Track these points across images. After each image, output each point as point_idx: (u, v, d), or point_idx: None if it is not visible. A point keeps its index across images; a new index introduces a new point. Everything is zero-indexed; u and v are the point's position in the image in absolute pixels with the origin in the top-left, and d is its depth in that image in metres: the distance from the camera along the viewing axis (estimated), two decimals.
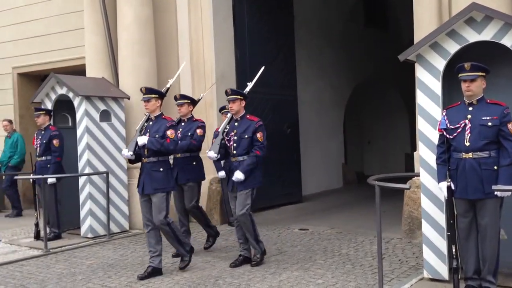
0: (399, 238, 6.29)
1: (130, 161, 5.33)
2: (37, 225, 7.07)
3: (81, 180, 7.20)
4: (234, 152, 5.41)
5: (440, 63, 4.42)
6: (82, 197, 7.20)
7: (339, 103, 12.40)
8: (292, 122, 9.82)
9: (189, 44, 8.34)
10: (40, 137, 7.14)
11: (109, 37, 8.08)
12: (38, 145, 7.12)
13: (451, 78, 4.40)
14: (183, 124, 6.14)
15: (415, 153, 5.87)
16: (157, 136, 5.14)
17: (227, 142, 5.45)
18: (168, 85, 5.72)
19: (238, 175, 5.29)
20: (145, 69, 7.94)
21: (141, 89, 5.31)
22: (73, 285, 5.02)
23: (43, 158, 7.06)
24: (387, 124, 14.52)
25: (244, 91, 5.61)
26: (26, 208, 9.89)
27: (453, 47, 4.35)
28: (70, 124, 7.83)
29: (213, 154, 5.38)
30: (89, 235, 7.10)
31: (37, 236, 7.07)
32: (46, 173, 6.89)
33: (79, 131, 7.24)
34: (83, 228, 7.18)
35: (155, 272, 5.16)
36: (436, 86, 4.44)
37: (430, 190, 4.47)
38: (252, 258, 5.48)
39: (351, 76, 12.49)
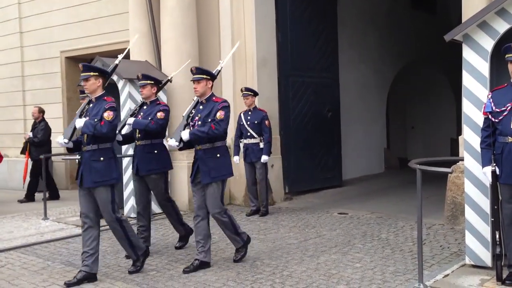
0: (441, 224, 6.14)
1: (68, 149, 4.66)
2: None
3: (125, 161, 7.38)
4: None
5: (488, 43, 4.24)
6: (125, 178, 7.39)
7: (382, 86, 12.15)
8: (333, 106, 9.70)
9: (230, 28, 8.34)
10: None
11: (152, 21, 8.19)
12: None
13: (500, 59, 4.22)
14: (145, 107, 5.54)
15: (460, 137, 5.69)
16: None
17: (191, 128, 4.82)
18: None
19: (184, 135, 4.69)
20: (187, 52, 8.01)
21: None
22: (116, 262, 5.18)
23: None
24: (432, 108, 14.13)
25: (215, 70, 5.03)
26: (73, 189, 10.25)
27: (502, 27, 4.16)
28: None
29: (173, 142, 4.75)
30: (132, 215, 7.29)
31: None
32: None
33: (122, 113, 7.40)
34: (126, 208, 7.39)
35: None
36: (484, 67, 4.27)
37: (474, 175, 4.34)
38: (235, 253, 5.08)
39: (395, 59, 12.18)
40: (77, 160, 7.39)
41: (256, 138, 7.26)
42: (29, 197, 9.37)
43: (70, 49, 10.72)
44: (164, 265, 4.99)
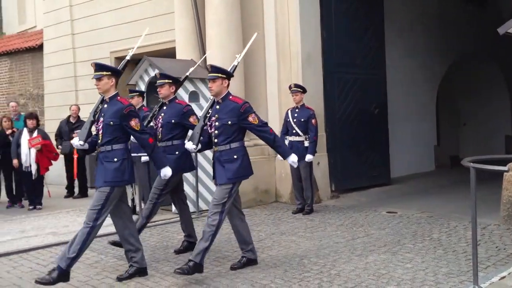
0: (497, 224, 5.90)
1: (84, 151, 4.61)
2: (133, 200, 7.48)
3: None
4: (216, 140, 4.62)
5: None
6: (190, 173, 7.48)
7: (431, 82, 11.81)
8: (380, 102, 9.51)
9: (274, 24, 8.32)
10: None
11: (197, 20, 8.28)
12: None
13: None
14: (164, 108, 5.41)
15: None
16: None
17: (209, 129, 4.70)
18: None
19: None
20: (232, 50, 8.02)
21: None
22: (165, 257, 5.26)
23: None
24: (484, 104, 13.61)
25: (231, 66, 4.86)
26: None
27: None
28: None
29: (190, 145, 4.67)
30: (204, 208, 7.38)
31: (133, 211, 7.48)
32: (141, 151, 7.22)
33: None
34: (174, 205, 7.49)
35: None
36: None
37: None
38: (182, 267, 4.39)
39: (445, 54, 11.82)
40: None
41: (301, 136, 7.20)
42: (83, 193, 9.69)
43: (119, 49, 10.98)
44: (211, 261, 5.03)
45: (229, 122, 4.54)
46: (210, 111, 4.70)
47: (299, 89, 7.27)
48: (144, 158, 7.21)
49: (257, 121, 4.61)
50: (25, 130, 8.47)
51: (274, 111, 8.40)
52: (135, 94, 7.49)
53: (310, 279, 4.39)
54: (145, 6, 10.40)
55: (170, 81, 5.42)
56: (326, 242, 5.64)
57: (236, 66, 5.00)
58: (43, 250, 5.63)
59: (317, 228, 6.35)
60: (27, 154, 8.34)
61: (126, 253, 4.60)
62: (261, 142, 8.36)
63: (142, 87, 7.85)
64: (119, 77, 4.55)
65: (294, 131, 7.24)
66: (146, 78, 7.82)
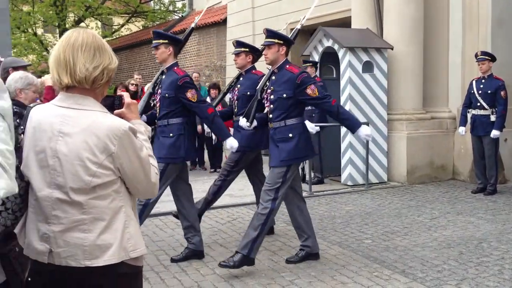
0: None
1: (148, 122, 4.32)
2: (303, 169, 7.67)
3: (343, 129, 7.47)
4: (271, 116, 4.06)
5: None
6: (343, 146, 7.49)
7: None
8: None
9: None
10: None
11: None
12: None
13: None
14: (241, 79, 4.90)
15: None
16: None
17: (265, 104, 4.14)
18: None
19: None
20: (411, 16, 7.59)
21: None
22: (332, 227, 5.32)
23: (309, 107, 7.51)
24: None
25: (293, 32, 4.30)
26: None
27: None
28: (334, 75, 8.14)
29: (244, 122, 4.15)
30: (349, 183, 7.38)
31: (303, 179, 7.66)
32: (312, 121, 7.33)
33: (342, 82, 7.46)
34: (343, 176, 7.50)
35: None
36: None
37: None
38: (229, 258, 3.96)
39: None
40: None
41: (487, 109, 6.54)
42: None
43: (295, 20, 11.17)
44: (379, 235, 4.93)
45: (284, 95, 3.97)
46: (267, 83, 4.14)
47: (486, 57, 6.59)
48: (315, 128, 7.30)
49: (317, 93, 3.93)
50: (207, 99, 9.21)
51: (456, 82, 7.76)
52: (308, 64, 7.58)
53: (489, 264, 4.03)
54: None
55: (247, 49, 4.87)
56: (510, 226, 5.10)
57: (299, 30, 4.50)
58: (221, 209, 6.14)
59: (500, 210, 5.77)
60: None
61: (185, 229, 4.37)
62: (439, 114, 7.90)
63: (316, 58, 7.90)
64: (178, 45, 4.26)
65: (478, 104, 6.61)
66: (320, 49, 7.84)
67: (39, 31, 19.37)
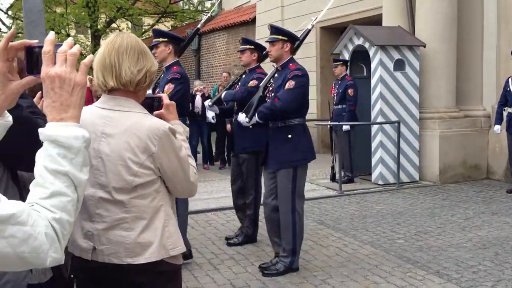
0: None
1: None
2: (333, 168, 7.64)
3: (373, 128, 7.41)
4: None
5: None
6: (373, 145, 7.42)
7: None
8: None
9: None
10: (337, 86, 7.59)
11: None
12: (335, 94, 7.59)
13: None
14: (243, 77, 4.81)
15: None
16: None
17: (267, 101, 4.01)
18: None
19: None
20: (444, 13, 7.46)
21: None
22: (364, 226, 5.28)
23: (339, 106, 7.50)
24: None
25: (304, 30, 4.18)
26: (324, 153, 10.79)
27: None
28: (365, 74, 8.06)
29: (243, 117, 3.95)
30: (379, 182, 7.31)
31: (332, 178, 7.65)
32: (342, 120, 7.31)
33: (373, 81, 7.39)
34: (374, 175, 7.43)
35: None
36: None
37: None
38: (271, 261, 4.00)
39: None
40: (328, 126, 7.73)
41: None
42: None
43: (324, 19, 11.12)
44: (412, 235, 4.88)
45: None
46: (271, 80, 4.04)
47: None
48: (345, 127, 7.28)
49: (291, 87, 3.76)
50: None
51: (491, 80, 7.59)
52: (338, 63, 7.54)
53: None
54: None
55: (252, 47, 4.78)
56: None
57: (310, 30, 4.37)
58: None
59: None
60: None
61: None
62: (473, 113, 7.74)
63: (346, 56, 7.85)
64: (179, 44, 4.19)
65: None
66: (351, 47, 7.78)
67: (72, 32, 19.82)
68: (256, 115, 3.84)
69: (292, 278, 3.85)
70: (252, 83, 4.54)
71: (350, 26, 7.71)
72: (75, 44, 1.05)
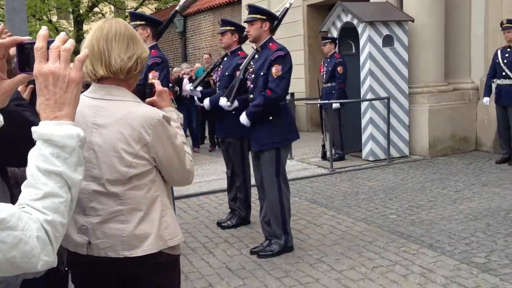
0: None
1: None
2: (323, 146, 7.66)
3: (363, 105, 7.41)
4: (251, 96, 3.93)
5: None
6: (363, 121, 7.44)
7: None
8: None
9: None
10: (326, 64, 7.55)
11: None
12: (324, 72, 7.56)
13: None
14: (225, 59, 4.75)
15: None
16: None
17: (248, 84, 4.00)
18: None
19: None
20: None
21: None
22: (356, 203, 5.33)
23: (329, 84, 7.48)
24: None
25: (282, 9, 4.12)
26: (314, 131, 10.80)
27: None
28: (353, 51, 8.03)
29: (224, 101, 4.02)
30: (370, 158, 7.35)
31: (323, 156, 7.67)
32: (331, 98, 7.30)
33: (362, 57, 7.37)
34: (364, 151, 7.47)
35: None
36: None
37: None
38: (264, 247, 4.02)
39: None
40: (318, 105, 7.71)
41: None
42: None
43: None
44: (404, 210, 4.93)
45: (262, 73, 3.81)
46: (251, 62, 4.00)
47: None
48: (335, 105, 7.27)
49: (280, 74, 3.72)
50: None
51: (479, 53, 7.61)
52: (327, 41, 7.49)
53: None
54: None
55: (232, 28, 4.67)
56: None
57: (288, 9, 4.27)
58: None
59: None
60: None
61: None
62: (462, 86, 7.77)
63: (334, 34, 7.80)
64: (157, 27, 4.10)
65: (503, 74, 6.48)
66: (339, 24, 7.74)
67: (54, 18, 19.47)
68: (247, 117, 3.81)
69: (287, 258, 3.88)
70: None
71: (338, 3, 7.64)
72: (65, 37, 1.02)
